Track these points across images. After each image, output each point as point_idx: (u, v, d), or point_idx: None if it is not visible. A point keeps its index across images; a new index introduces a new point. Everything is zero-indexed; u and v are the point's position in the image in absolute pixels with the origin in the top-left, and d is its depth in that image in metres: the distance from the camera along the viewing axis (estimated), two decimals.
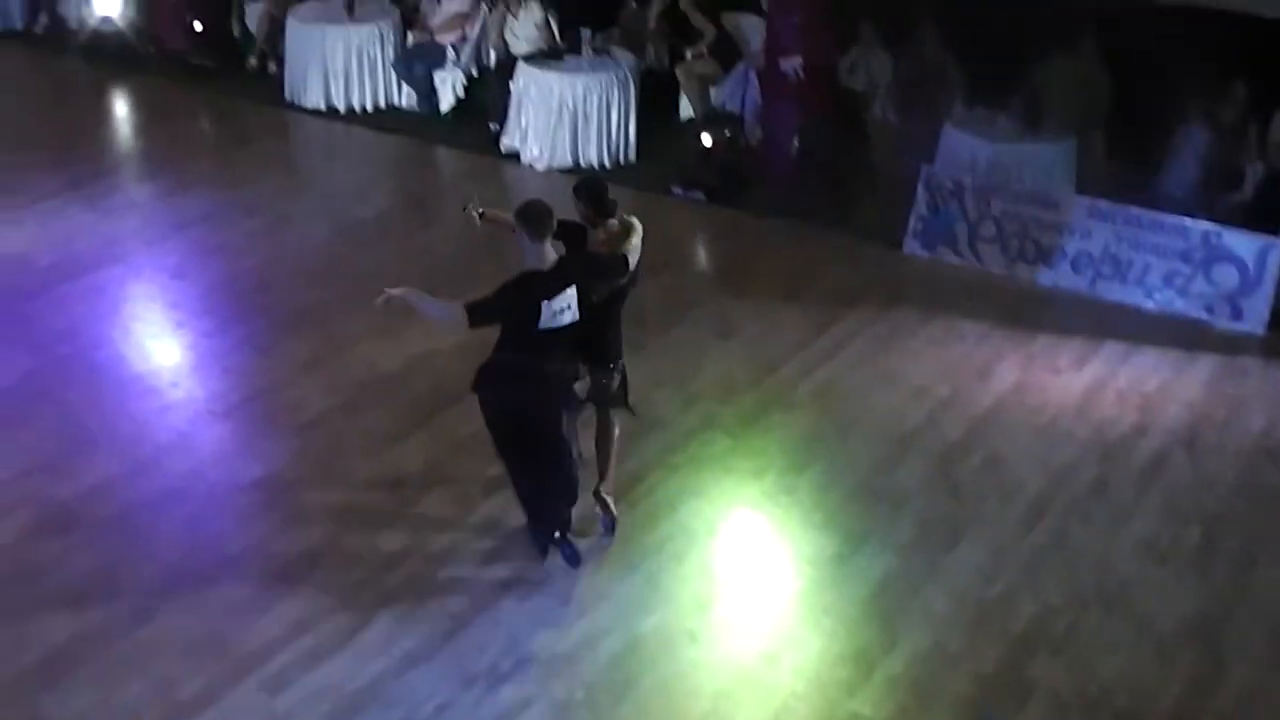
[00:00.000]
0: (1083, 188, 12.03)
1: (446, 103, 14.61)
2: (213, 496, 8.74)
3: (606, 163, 13.40)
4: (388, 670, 7.41)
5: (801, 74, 12.54)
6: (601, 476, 8.41)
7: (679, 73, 14.03)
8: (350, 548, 8.28)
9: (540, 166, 13.35)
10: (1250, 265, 10.95)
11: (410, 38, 14.86)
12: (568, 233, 7.89)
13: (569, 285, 7.55)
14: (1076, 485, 9.07)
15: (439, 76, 14.56)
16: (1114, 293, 11.34)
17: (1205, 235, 11.06)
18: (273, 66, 15.48)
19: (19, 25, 16.91)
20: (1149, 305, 11.23)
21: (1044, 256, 11.56)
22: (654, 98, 13.99)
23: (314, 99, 14.76)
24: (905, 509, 8.79)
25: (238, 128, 14.62)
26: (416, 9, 15.15)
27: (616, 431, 8.43)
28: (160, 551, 8.21)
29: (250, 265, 11.60)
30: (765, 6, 13.23)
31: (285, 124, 14.79)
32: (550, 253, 7.58)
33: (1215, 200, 11.56)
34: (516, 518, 8.42)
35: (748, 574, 8.30)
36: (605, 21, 14.47)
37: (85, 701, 7.17)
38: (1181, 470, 9.27)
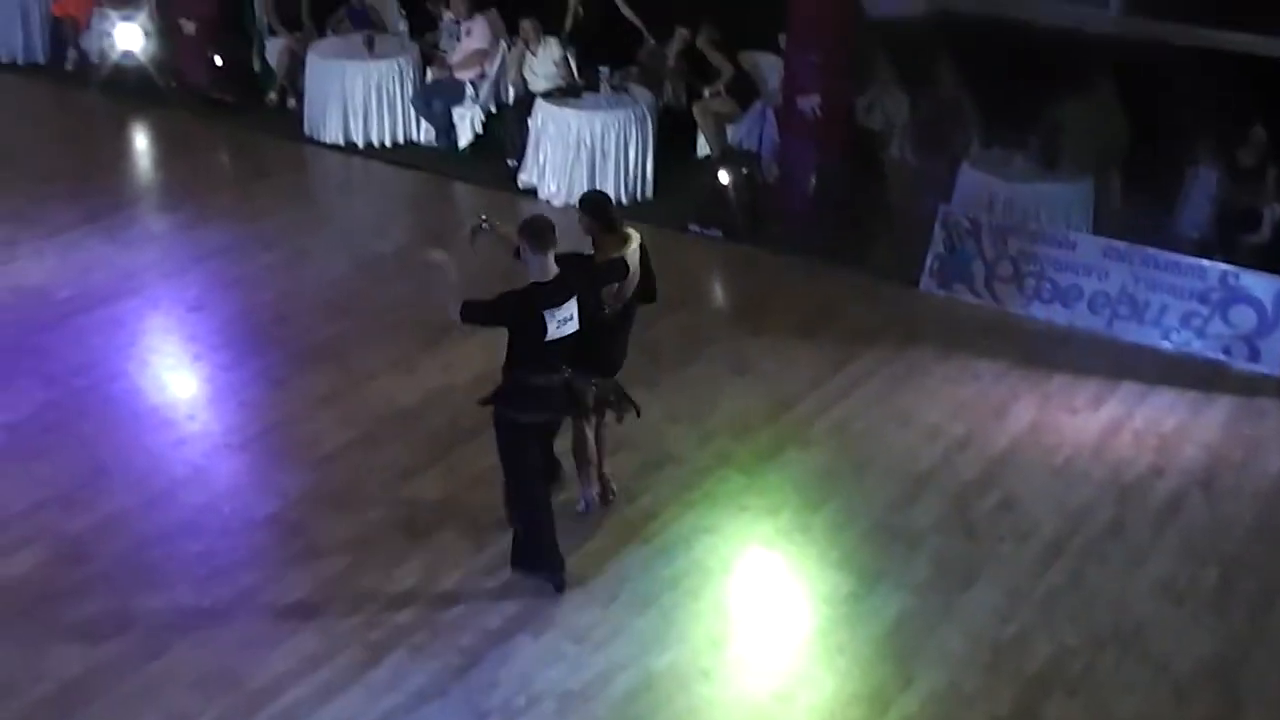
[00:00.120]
0: (1100, 228, 12.02)
1: (465, 139, 14.67)
2: (227, 530, 8.74)
3: (624, 199, 13.42)
4: (399, 706, 7.38)
5: (819, 113, 12.57)
6: (600, 461, 8.86)
7: (696, 111, 14.07)
8: (364, 583, 8.27)
9: (558, 202, 13.37)
10: (1268, 307, 10.91)
11: (429, 74, 14.94)
12: (570, 262, 8.00)
13: (571, 296, 7.75)
14: (1093, 526, 9.03)
15: (458, 113, 14.62)
16: (1131, 333, 11.32)
17: (1223, 276, 11.03)
18: (292, 101, 15.57)
19: (42, 59, 17.07)
20: (1166, 346, 11.21)
21: (1061, 296, 11.55)
22: (671, 135, 14.03)
23: (333, 134, 14.83)
24: (920, 548, 8.76)
25: (257, 162, 14.70)
26: (436, 46, 15.25)
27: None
28: (174, 585, 8.20)
29: (268, 299, 11.63)
30: (783, 46, 13.27)
31: (304, 159, 14.85)
32: (552, 265, 7.77)
33: (1233, 241, 11.55)
34: None
35: (762, 612, 8.26)
36: (624, 59, 14.53)
37: None
38: (1199, 511, 9.23)
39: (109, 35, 16.07)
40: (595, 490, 8.93)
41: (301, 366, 10.59)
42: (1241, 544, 8.92)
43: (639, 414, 8.80)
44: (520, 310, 7.71)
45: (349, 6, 15.77)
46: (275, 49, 15.74)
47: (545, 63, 14.05)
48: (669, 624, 8.03)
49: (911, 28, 13.15)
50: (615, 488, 9.04)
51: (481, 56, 14.63)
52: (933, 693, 7.60)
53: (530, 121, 13.76)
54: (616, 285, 8.30)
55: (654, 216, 12.98)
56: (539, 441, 8.25)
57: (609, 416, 8.78)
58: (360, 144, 14.83)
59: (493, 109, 14.69)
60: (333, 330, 11.13)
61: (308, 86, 15.04)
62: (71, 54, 16.76)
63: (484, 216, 8.49)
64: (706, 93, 14.03)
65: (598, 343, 8.23)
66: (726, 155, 13.65)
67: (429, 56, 15.14)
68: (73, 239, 12.51)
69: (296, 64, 15.39)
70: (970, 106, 12.91)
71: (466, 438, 9.43)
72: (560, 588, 8.22)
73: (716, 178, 13.15)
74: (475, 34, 14.63)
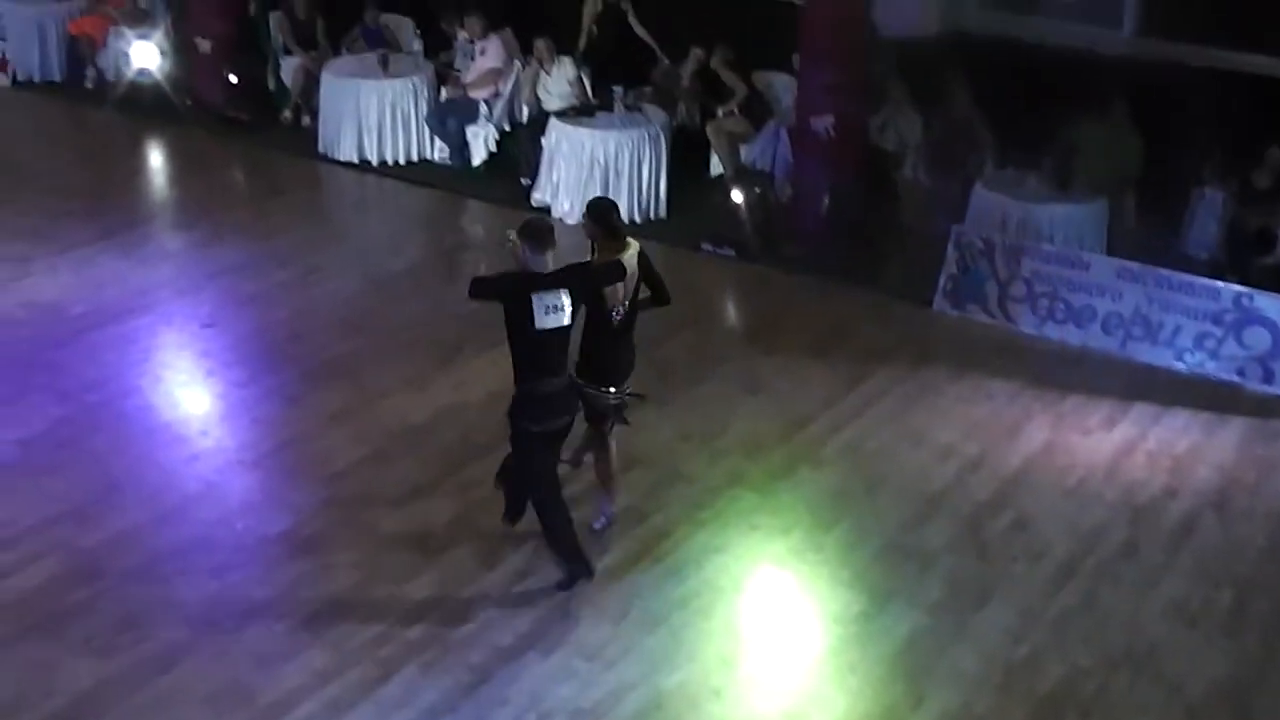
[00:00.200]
0: (1114, 249, 12.00)
1: (479, 157, 14.71)
2: (239, 546, 8.74)
3: (637, 218, 13.43)
4: None
5: (832, 133, 12.58)
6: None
7: (709, 130, 14.09)
8: (375, 599, 8.26)
9: (571, 220, 13.37)
10: None
11: (444, 93, 14.98)
12: (569, 268, 8.18)
13: (561, 287, 7.92)
14: (1106, 547, 9.00)
15: (471, 131, 14.66)
16: (1144, 354, 11.30)
17: (1237, 298, 11.01)
18: (307, 119, 15.62)
19: (58, 77, 17.15)
20: (1180, 367, 11.18)
21: (1074, 317, 11.53)
22: (685, 155, 14.04)
23: (347, 152, 14.87)
24: (933, 568, 8.74)
25: (271, 179, 14.75)
26: (451, 65, 15.29)
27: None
28: (185, 600, 8.21)
29: (282, 316, 11.66)
30: (796, 66, 13.29)
31: (319, 176, 14.89)
32: (550, 265, 7.99)
33: (1248, 263, 11.53)
34: (542, 570, 8.44)
35: (773, 631, 8.25)
36: (638, 79, 14.57)
37: None
38: (1212, 533, 9.20)
39: (125, 54, 16.15)
40: (614, 507, 8.96)
41: (314, 384, 10.61)
42: (1255, 566, 8.88)
43: (643, 398, 8.91)
44: (512, 287, 7.97)
45: (364, 26, 15.82)
46: (290, 67, 15.81)
47: (559, 82, 14.09)
48: (680, 643, 8.02)
49: (925, 48, 13.17)
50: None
51: (496, 75, 14.67)
52: (945, 713, 7.57)
53: (544, 140, 13.79)
54: (620, 289, 8.39)
55: (667, 235, 13.01)
56: (551, 450, 8.30)
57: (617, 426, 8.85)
58: (374, 162, 14.87)
59: (506, 128, 14.73)
60: (346, 348, 11.14)
61: (323, 104, 15.09)
62: (88, 72, 16.86)
63: (511, 235, 8.57)
64: (720, 112, 14.05)
65: (605, 350, 8.44)
66: (740, 175, 13.67)
67: (443, 76, 15.19)
68: (87, 255, 12.56)
69: (311, 82, 15.45)
70: (984, 127, 12.92)
71: (478, 455, 9.44)
72: (590, 575, 8.38)
73: (730, 197, 13.17)
74: (490, 53, 14.68)
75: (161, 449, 9.75)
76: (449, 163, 14.83)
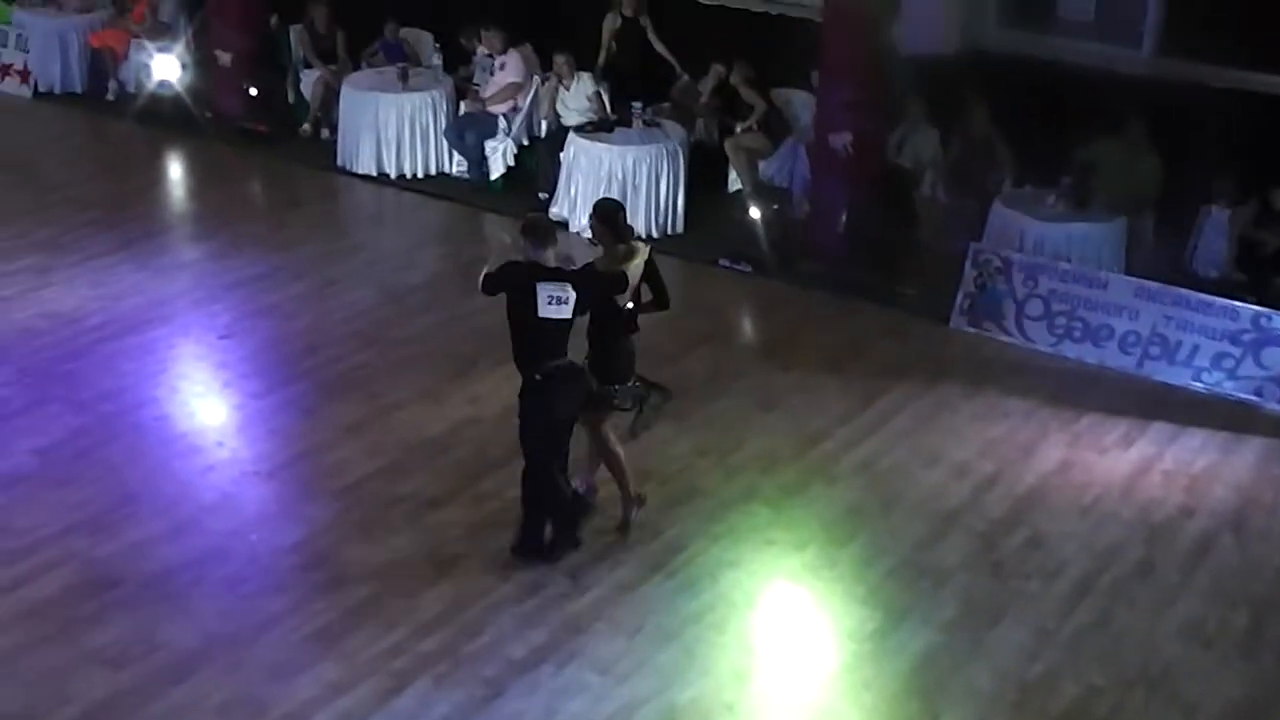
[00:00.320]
0: (1133, 268, 11.98)
1: (497, 171, 14.72)
2: (254, 557, 8.75)
3: (655, 233, 13.43)
4: None
5: (851, 150, 12.57)
6: (596, 468, 9.15)
7: (727, 146, 14.09)
8: (388, 611, 8.26)
9: (589, 235, 13.38)
10: None
11: (463, 107, 15.02)
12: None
13: (564, 280, 8.23)
14: (1121, 566, 8.97)
15: (490, 145, 14.68)
16: (1162, 373, 11.27)
17: (1255, 318, 10.98)
18: (326, 132, 15.68)
19: (80, 89, 17.24)
20: (1197, 387, 11.15)
21: (1091, 335, 11.51)
22: (703, 170, 14.06)
23: (366, 165, 14.92)
24: (948, 586, 8.71)
25: (290, 192, 14.80)
26: (469, 79, 15.34)
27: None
28: (199, 611, 8.22)
29: (298, 327, 11.68)
30: (815, 84, 13.30)
31: (337, 189, 14.94)
32: (552, 260, 8.30)
33: (1266, 283, 11.50)
34: (555, 584, 8.46)
35: (787, 647, 8.24)
36: (656, 95, 14.59)
37: None
38: (1229, 553, 9.16)
39: (146, 66, 16.24)
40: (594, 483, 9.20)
41: (330, 395, 10.62)
42: (1272, 586, 8.84)
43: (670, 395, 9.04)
44: (518, 276, 8.23)
45: (384, 40, 15.88)
46: (310, 81, 15.87)
47: (578, 97, 14.12)
48: (693, 658, 8.00)
49: (944, 66, 13.16)
50: (636, 515, 9.14)
51: (515, 90, 14.70)
52: None
53: (562, 155, 13.82)
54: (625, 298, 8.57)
55: (684, 250, 13.04)
56: (559, 435, 8.53)
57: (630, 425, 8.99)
58: (393, 175, 14.92)
59: (525, 142, 14.76)
60: (362, 360, 11.16)
61: (342, 117, 15.14)
62: (113, 85, 16.95)
63: (506, 238, 8.76)
64: (739, 129, 14.06)
65: (607, 348, 8.66)
66: (758, 191, 13.68)
67: (462, 90, 15.24)
68: (105, 266, 12.61)
69: (331, 95, 15.51)
70: (1002, 145, 12.91)
71: (493, 468, 9.45)
72: (576, 546, 8.73)
73: (747, 213, 13.18)
74: (509, 68, 14.71)
75: (177, 459, 9.77)
76: (467, 177, 14.86)
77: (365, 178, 14.89)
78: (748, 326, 12.69)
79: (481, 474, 9.54)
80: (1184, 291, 11.26)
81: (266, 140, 15.61)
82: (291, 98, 16.26)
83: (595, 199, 13.25)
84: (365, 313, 11.97)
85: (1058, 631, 8.32)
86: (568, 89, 14.17)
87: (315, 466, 9.74)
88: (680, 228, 13.77)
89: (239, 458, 9.84)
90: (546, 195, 14.02)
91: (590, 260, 8.84)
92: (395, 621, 8.17)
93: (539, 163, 14.42)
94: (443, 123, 14.99)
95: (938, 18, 13.44)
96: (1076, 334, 11.57)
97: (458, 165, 14.99)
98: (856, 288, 12.38)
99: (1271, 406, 10.89)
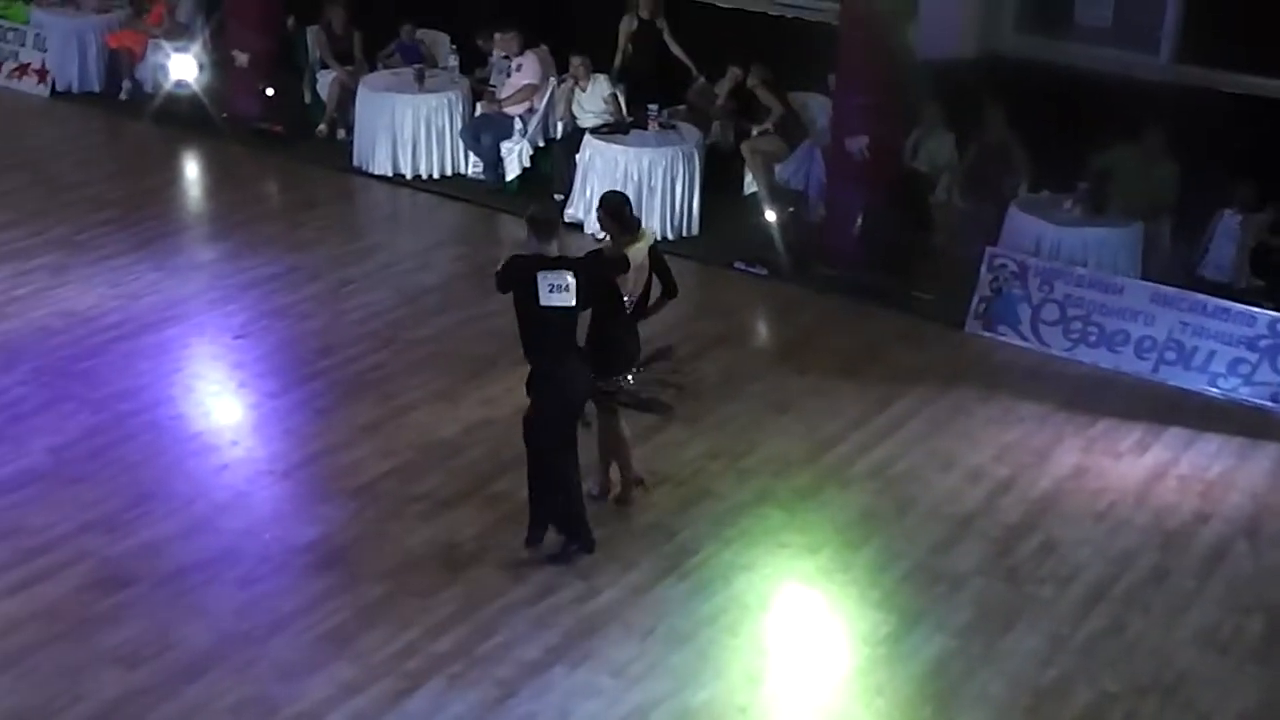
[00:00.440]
0: (1149, 273, 11.95)
1: (512, 172, 14.72)
2: (267, 556, 8.76)
3: (670, 235, 13.42)
4: None
5: (867, 154, 12.55)
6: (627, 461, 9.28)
7: (744, 149, 14.08)
8: (402, 612, 8.27)
9: (603, 236, 13.38)
10: None
11: (479, 108, 15.02)
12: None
13: (567, 268, 8.35)
14: (1136, 572, 8.94)
15: (506, 147, 14.68)
16: (1177, 378, 11.24)
17: (1272, 323, 10.95)
18: (342, 133, 15.70)
19: (97, 88, 17.29)
20: (1213, 392, 11.11)
21: (1107, 340, 11.48)
22: (719, 173, 14.05)
23: (382, 165, 14.93)
24: (962, 590, 8.70)
25: (306, 192, 14.81)
26: (486, 80, 15.34)
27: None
28: (213, 610, 8.23)
29: (314, 328, 11.70)
30: (832, 87, 13.28)
31: (352, 190, 14.95)
32: (555, 252, 8.44)
33: None
34: (568, 585, 8.46)
35: (801, 650, 8.22)
36: (673, 97, 14.58)
37: None
38: (1243, 560, 9.13)
39: (163, 66, 16.28)
40: (601, 481, 9.31)
41: (345, 396, 10.64)
42: None
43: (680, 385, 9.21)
44: (520, 268, 8.35)
45: (400, 42, 15.89)
46: (326, 81, 15.88)
47: (594, 99, 14.13)
48: (706, 660, 8.00)
49: (961, 71, 13.16)
50: (636, 494, 9.29)
51: (531, 92, 14.71)
52: None
53: (578, 157, 13.82)
54: (631, 279, 8.71)
55: (699, 253, 13.03)
56: (569, 423, 8.60)
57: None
58: (409, 176, 14.93)
59: (541, 144, 14.76)
60: (377, 360, 11.17)
61: (358, 118, 15.15)
62: (126, 84, 17.00)
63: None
64: (755, 131, 14.05)
65: (611, 338, 8.80)
66: (773, 194, 13.66)
67: (478, 91, 15.24)
68: (122, 265, 12.63)
69: (347, 96, 15.52)
70: (1019, 150, 12.89)
71: (507, 470, 9.45)
72: (590, 549, 8.76)
73: (763, 216, 13.17)
74: (525, 69, 14.72)
75: (192, 459, 9.79)
76: (483, 178, 14.86)
77: (381, 179, 14.90)
78: (762, 329, 12.67)
79: (495, 475, 9.54)
80: (1200, 297, 11.24)
81: (282, 141, 15.63)
82: (308, 98, 16.28)
83: None
84: (380, 313, 11.98)
85: (1072, 637, 8.31)
86: (584, 91, 14.18)
87: (329, 466, 9.75)
88: (695, 230, 13.76)
89: (253, 457, 9.86)
90: (562, 197, 14.01)
91: (596, 250, 8.99)
92: (409, 622, 8.17)
93: (554, 164, 14.43)
94: (458, 124, 15.00)
95: (955, 22, 13.45)
96: (1092, 339, 11.54)
97: (473, 166, 14.99)
98: (872, 291, 12.37)
99: None
